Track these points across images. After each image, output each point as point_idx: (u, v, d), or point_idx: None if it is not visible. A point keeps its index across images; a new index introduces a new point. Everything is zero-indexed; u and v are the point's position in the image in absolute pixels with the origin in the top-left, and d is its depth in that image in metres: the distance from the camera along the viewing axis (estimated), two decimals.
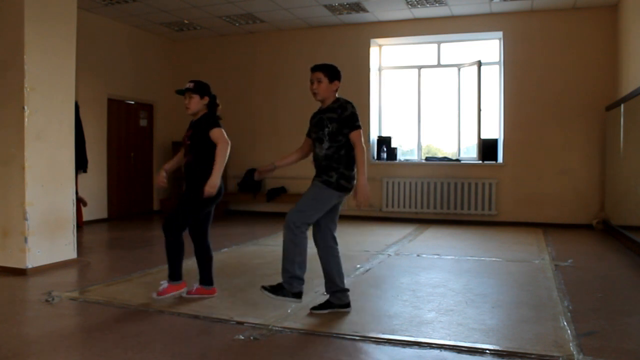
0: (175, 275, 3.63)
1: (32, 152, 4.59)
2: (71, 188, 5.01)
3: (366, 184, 3.23)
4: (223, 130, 3.58)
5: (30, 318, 3.36)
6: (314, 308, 3.35)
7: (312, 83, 3.33)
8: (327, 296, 3.40)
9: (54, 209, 4.80)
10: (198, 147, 3.57)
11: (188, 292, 3.70)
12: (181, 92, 3.68)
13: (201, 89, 3.65)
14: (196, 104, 3.62)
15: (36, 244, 4.61)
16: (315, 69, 3.34)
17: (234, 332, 2.98)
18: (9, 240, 4.60)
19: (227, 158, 3.54)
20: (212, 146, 3.54)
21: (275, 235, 6.62)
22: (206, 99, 3.66)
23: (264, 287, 3.23)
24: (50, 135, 4.77)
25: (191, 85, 3.64)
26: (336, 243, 3.39)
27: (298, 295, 3.20)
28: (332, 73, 3.33)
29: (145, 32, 8.90)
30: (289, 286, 3.18)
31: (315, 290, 3.87)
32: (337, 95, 3.41)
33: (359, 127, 3.28)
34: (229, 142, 3.56)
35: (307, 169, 10.70)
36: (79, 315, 3.43)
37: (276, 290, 3.19)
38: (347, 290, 3.42)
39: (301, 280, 3.21)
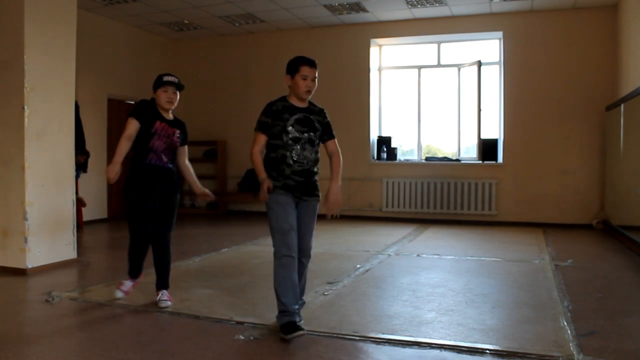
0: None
1: (32, 152, 4.59)
2: (71, 188, 5.01)
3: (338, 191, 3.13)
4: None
5: (30, 318, 3.37)
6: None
7: (305, 79, 2.97)
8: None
9: (54, 209, 4.80)
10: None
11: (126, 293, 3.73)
12: (181, 87, 3.65)
13: None
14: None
15: (36, 244, 4.61)
16: (316, 65, 3.01)
17: (234, 332, 2.98)
18: (9, 240, 4.60)
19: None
20: (140, 134, 3.49)
21: None
22: None
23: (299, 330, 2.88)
24: (50, 135, 4.77)
25: (177, 79, 3.62)
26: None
27: None
28: None
29: (145, 32, 8.90)
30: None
31: (315, 290, 3.88)
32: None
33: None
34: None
35: None
36: (79, 315, 3.43)
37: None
38: None
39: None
